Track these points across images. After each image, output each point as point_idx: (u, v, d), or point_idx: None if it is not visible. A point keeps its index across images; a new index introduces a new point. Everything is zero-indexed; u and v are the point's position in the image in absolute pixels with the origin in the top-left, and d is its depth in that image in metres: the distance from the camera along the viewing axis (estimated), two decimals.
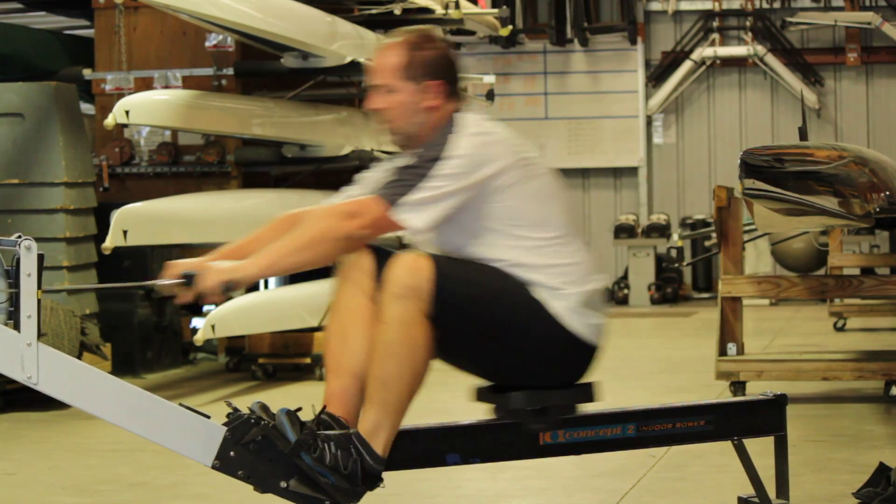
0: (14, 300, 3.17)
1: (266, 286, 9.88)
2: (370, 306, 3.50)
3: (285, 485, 3.34)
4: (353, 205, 3.47)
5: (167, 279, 3.45)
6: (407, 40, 3.63)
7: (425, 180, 3.45)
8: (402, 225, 3.45)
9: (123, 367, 8.14)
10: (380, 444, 3.38)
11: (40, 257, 3.19)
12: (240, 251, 3.63)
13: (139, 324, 8.61)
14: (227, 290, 3.41)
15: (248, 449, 3.32)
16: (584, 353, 3.60)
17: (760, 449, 3.83)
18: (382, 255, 3.53)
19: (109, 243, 6.77)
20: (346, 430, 3.38)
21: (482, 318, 3.46)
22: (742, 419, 3.78)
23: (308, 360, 8.40)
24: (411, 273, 3.39)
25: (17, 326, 3.16)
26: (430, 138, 3.58)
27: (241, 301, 7.97)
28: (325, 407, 3.44)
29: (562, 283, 3.53)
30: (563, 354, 3.56)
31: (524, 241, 3.53)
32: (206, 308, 9.37)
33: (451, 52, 3.68)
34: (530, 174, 3.57)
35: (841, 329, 10.85)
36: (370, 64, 3.69)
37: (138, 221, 6.93)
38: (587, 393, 3.63)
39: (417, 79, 3.60)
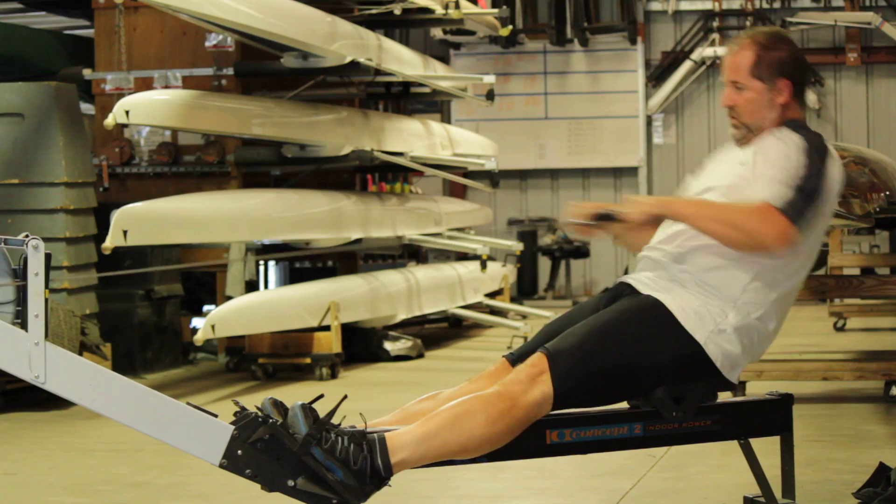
0: (21, 299, 3.17)
1: (266, 286, 9.88)
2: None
3: (293, 483, 3.34)
4: (780, 223, 3.50)
5: (579, 219, 3.67)
6: (757, 40, 3.76)
7: (813, 205, 3.54)
8: (789, 250, 3.57)
9: (123, 367, 8.14)
10: (396, 459, 3.37)
11: (47, 257, 3.19)
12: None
13: (139, 324, 8.61)
14: (656, 222, 3.62)
15: (256, 448, 3.32)
16: (713, 375, 3.64)
17: (761, 449, 3.83)
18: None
19: (109, 243, 6.77)
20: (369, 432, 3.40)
21: (610, 382, 3.54)
22: (748, 419, 3.78)
23: (308, 360, 8.40)
24: (538, 385, 3.44)
25: (24, 326, 3.16)
26: (780, 140, 3.66)
27: (241, 301, 7.98)
28: (370, 427, 3.47)
29: (753, 306, 3.64)
30: (693, 372, 3.61)
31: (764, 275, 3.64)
32: (205, 308, 9.38)
33: (800, 54, 3.81)
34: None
35: (841, 329, 10.86)
36: (723, 60, 3.82)
37: (138, 221, 6.92)
38: (726, 382, 3.67)
39: (766, 77, 3.73)
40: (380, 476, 3.36)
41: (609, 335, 3.53)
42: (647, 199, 3.61)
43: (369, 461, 3.34)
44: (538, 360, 3.48)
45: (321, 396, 3.42)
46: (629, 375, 3.54)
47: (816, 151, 3.62)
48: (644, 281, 3.69)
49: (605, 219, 3.67)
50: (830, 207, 3.68)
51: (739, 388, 6.76)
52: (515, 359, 3.65)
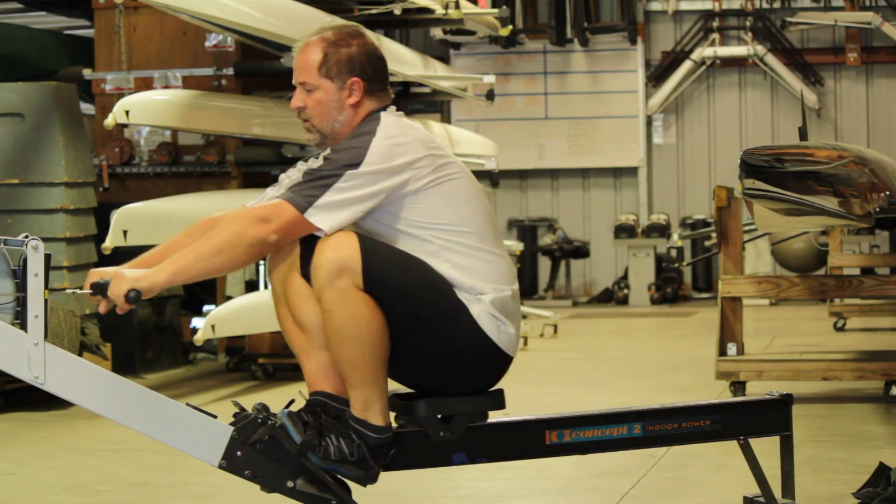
0: (21, 300, 3.17)
1: (266, 286, 9.88)
2: (306, 283, 3.47)
3: (292, 484, 3.35)
4: (264, 209, 3.39)
5: (85, 287, 3.42)
6: (325, 38, 3.59)
7: (337, 183, 3.39)
8: (312, 228, 3.39)
9: (123, 367, 8.13)
10: (376, 415, 3.38)
11: (47, 257, 3.19)
12: (160, 257, 3.53)
13: (139, 324, 8.61)
14: (133, 301, 3.34)
15: (255, 449, 3.33)
16: (496, 360, 3.52)
17: (761, 449, 3.83)
18: (308, 242, 3.46)
19: (109, 243, 6.77)
20: (342, 408, 3.40)
21: (406, 301, 3.39)
22: (748, 419, 3.78)
23: None
24: (337, 251, 3.33)
25: (24, 326, 3.16)
26: (346, 137, 3.53)
27: (241, 301, 7.97)
28: (312, 392, 3.46)
29: (477, 287, 3.47)
30: (478, 358, 3.48)
31: (438, 244, 3.46)
32: (205, 308, 9.38)
33: (372, 50, 3.61)
34: (444, 177, 3.50)
35: (841, 329, 10.85)
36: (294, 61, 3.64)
37: (138, 221, 6.92)
38: (497, 401, 3.55)
39: (336, 76, 3.56)
40: (380, 449, 3.38)
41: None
42: (130, 274, 3.35)
43: (364, 447, 3.36)
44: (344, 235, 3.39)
45: (292, 402, 3.44)
46: (430, 288, 3.43)
47: (358, 138, 3.47)
48: None
49: (98, 292, 3.40)
50: (405, 181, 3.44)
51: (739, 388, 6.77)
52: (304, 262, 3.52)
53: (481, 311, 3.46)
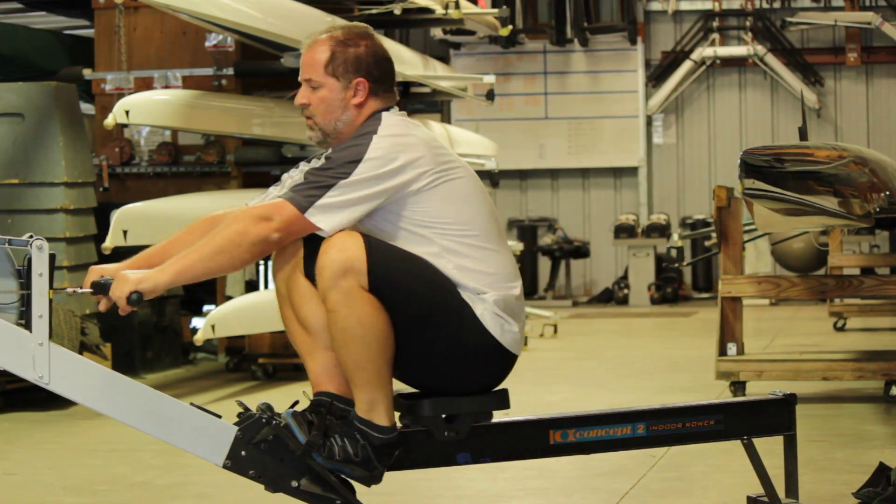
0: (25, 300, 3.17)
1: (266, 286, 9.88)
2: (310, 283, 3.48)
3: (296, 484, 3.35)
4: (266, 208, 3.39)
5: (85, 285, 3.41)
6: (333, 36, 3.58)
7: (339, 183, 3.38)
8: (313, 228, 3.38)
9: (123, 367, 8.13)
10: (381, 416, 3.38)
11: (51, 257, 3.20)
12: (159, 255, 3.54)
13: (139, 324, 8.61)
14: (135, 303, 3.33)
15: (260, 448, 3.33)
16: (501, 359, 3.51)
17: (762, 448, 3.83)
18: (312, 242, 3.46)
19: (109, 243, 6.77)
20: (347, 408, 3.40)
21: (411, 301, 3.39)
22: (751, 418, 3.78)
23: None
24: (342, 251, 3.33)
25: (28, 326, 3.16)
26: (349, 137, 3.53)
27: (241, 301, 7.97)
28: (316, 392, 3.47)
29: (480, 287, 3.46)
30: (483, 357, 3.48)
31: (441, 244, 3.46)
32: (205, 308, 9.38)
33: (380, 51, 3.61)
34: (447, 176, 3.50)
35: (841, 329, 10.85)
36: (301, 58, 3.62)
37: (138, 221, 6.92)
38: (501, 400, 3.55)
39: (342, 76, 3.55)
40: (385, 450, 3.37)
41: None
42: (132, 276, 3.33)
43: (368, 447, 3.35)
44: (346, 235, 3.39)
45: (297, 403, 3.44)
46: (434, 294, 3.43)
47: (360, 137, 3.47)
48: None
49: (99, 291, 3.38)
50: (406, 182, 3.44)
51: (739, 388, 6.77)
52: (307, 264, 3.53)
53: (485, 311, 3.46)
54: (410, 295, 3.39)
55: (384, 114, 3.56)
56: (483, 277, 3.48)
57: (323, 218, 3.37)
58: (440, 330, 3.43)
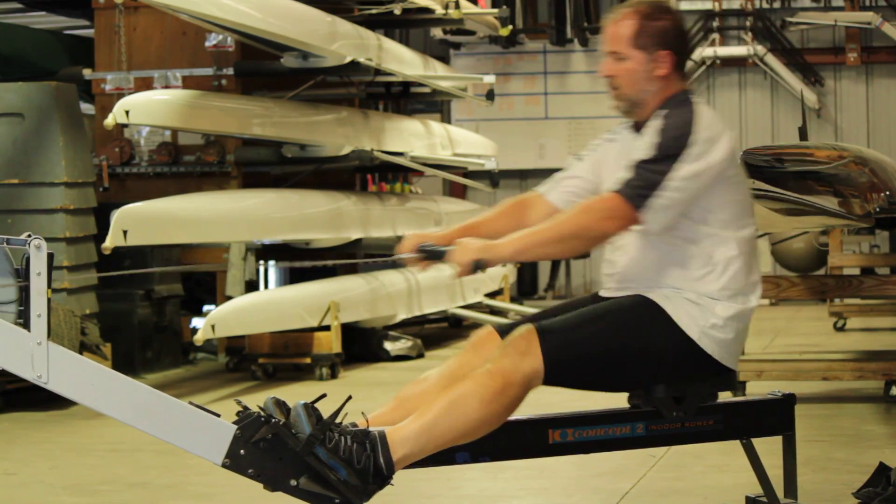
0: (24, 299, 3.17)
1: (266, 286, 9.88)
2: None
3: (295, 483, 3.34)
4: (609, 206, 3.50)
5: (402, 251, 3.63)
6: (639, 10, 3.68)
7: (668, 182, 3.48)
8: (645, 227, 3.52)
9: (123, 367, 8.13)
10: (398, 455, 3.37)
11: (50, 256, 3.19)
12: (472, 230, 3.72)
13: (139, 324, 8.61)
14: (475, 270, 3.49)
15: (258, 447, 3.32)
16: (712, 368, 3.60)
17: (761, 449, 3.83)
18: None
19: (109, 243, 6.77)
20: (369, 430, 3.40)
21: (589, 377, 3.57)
22: (750, 419, 3.78)
23: (308, 360, 8.40)
24: (525, 357, 3.43)
25: (27, 325, 3.16)
26: (657, 111, 3.62)
27: (241, 301, 7.97)
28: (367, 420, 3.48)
29: (732, 291, 3.57)
30: (691, 368, 3.59)
31: (740, 249, 3.58)
32: (205, 308, 9.38)
33: (681, 25, 3.73)
34: (739, 175, 3.65)
35: (841, 329, 10.85)
36: (604, 30, 3.74)
37: (138, 221, 6.92)
38: (727, 382, 3.65)
39: (648, 48, 3.65)
40: (382, 475, 3.36)
41: (600, 319, 3.54)
42: (471, 247, 3.51)
43: (372, 460, 3.34)
44: (527, 332, 3.47)
45: (324, 396, 3.42)
46: (620, 360, 3.53)
47: (682, 125, 3.55)
48: (624, 291, 3.67)
49: (431, 257, 3.62)
50: (722, 166, 3.56)
51: (739, 388, 6.78)
52: (503, 331, 3.62)
53: (724, 314, 3.55)
54: (589, 376, 3.58)
55: (695, 101, 3.63)
56: (739, 280, 3.59)
57: (654, 217, 3.50)
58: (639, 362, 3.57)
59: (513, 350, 3.44)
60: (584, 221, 3.50)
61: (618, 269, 3.68)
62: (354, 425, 3.41)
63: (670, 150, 3.51)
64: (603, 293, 3.73)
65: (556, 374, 3.47)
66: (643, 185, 3.49)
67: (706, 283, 3.56)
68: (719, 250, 3.56)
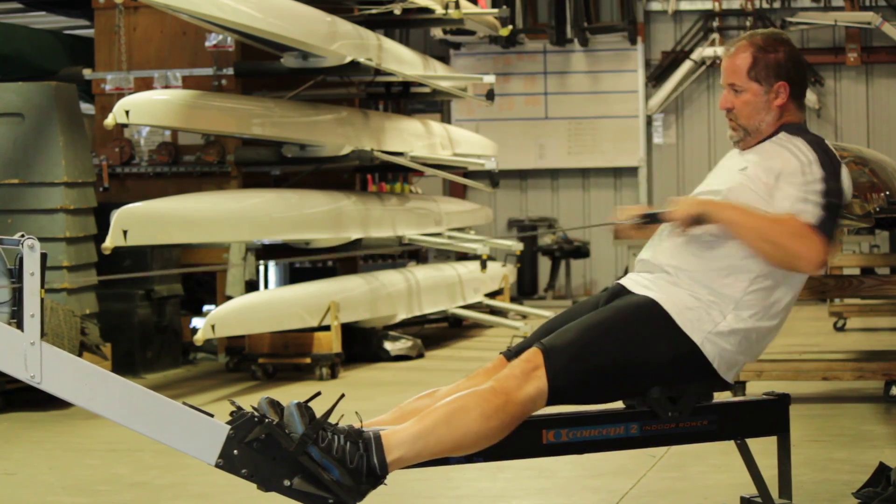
0: (17, 299, 3.16)
1: (266, 286, 9.88)
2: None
3: (289, 483, 3.34)
4: (815, 245, 3.52)
5: (626, 217, 3.75)
6: (754, 42, 3.78)
7: (838, 218, 3.60)
8: (821, 271, 3.62)
9: (123, 367, 8.13)
10: (392, 457, 3.37)
11: (43, 256, 3.19)
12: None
13: (139, 324, 8.61)
14: (697, 223, 3.57)
15: (252, 447, 3.32)
16: (709, 376, 3.63)
17: (760, 449, 3.83)
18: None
19: (109, 243, 6.77)
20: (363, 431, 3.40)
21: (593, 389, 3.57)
22: (745, 419, 3.78)
23: (308, 360, 8.40)
24: (526, 379, 3.45)
25: (20, 325, 3.16)
26: (768, 136, 3.73)
27: (241, 301, 7.97)
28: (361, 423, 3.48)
29: (748, 306, 3.62)
30: (689, 372, 3.62)
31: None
32: (205, 308, 9.38)
33: (797, 55, 3.82)
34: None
35: (841, 329, 10.85)
36: (722, 63, 3.83)
37: (138, 221, 6.92)
38: (722, 384, 3.67)
39: (764, 80, 3.75)
40: (375, 475, 3.36)
41: (604, 333, 3.54)
42: (692, 199, 3.64)
43: (365, 460, 3.34)
44: (533, 355, 3.48)
45: (318, 395, 3.42)
46: (624, 373, 3.54)
47: (830, 162, 3.66)
48: (641, 282, 3.69)
49: (651, 220, 3.75)
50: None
51: (739, 387, 6.77)
52: (512, 355, 3.66)
53: (743, 331, 3.62)
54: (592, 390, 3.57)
55: (819, 139, 3.73)
56: (772, 305, 3.70)
57: (829, 250, 3.58)
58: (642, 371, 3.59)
59: (519, 371, 3.46)
60: (794, 242, 3.52)
61: (650, 255, 3.74)
62: (350, 426, 3.42)
63: (836, 190, 3.62)
64: (625, 282, 3.75)
65: (560, 395, 3.49)
66: (829, 218, 3.57)
67: (728, 286, 3.59)
68: (755, 261, 3.60)
